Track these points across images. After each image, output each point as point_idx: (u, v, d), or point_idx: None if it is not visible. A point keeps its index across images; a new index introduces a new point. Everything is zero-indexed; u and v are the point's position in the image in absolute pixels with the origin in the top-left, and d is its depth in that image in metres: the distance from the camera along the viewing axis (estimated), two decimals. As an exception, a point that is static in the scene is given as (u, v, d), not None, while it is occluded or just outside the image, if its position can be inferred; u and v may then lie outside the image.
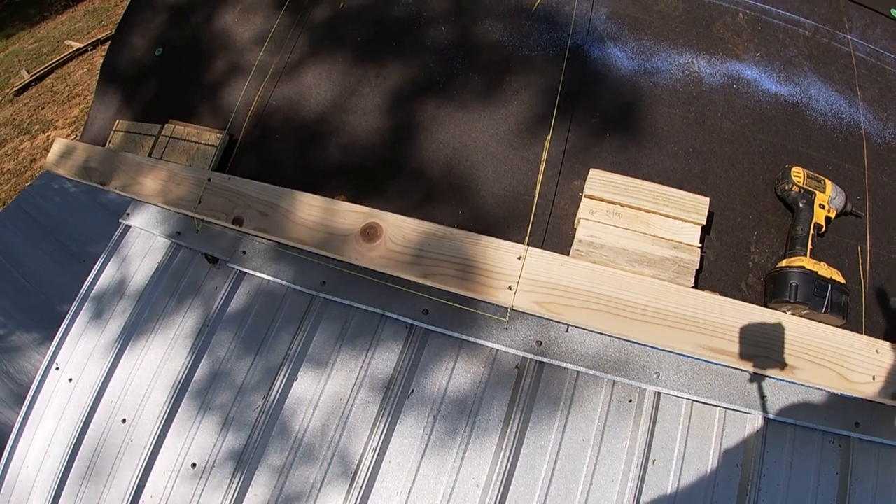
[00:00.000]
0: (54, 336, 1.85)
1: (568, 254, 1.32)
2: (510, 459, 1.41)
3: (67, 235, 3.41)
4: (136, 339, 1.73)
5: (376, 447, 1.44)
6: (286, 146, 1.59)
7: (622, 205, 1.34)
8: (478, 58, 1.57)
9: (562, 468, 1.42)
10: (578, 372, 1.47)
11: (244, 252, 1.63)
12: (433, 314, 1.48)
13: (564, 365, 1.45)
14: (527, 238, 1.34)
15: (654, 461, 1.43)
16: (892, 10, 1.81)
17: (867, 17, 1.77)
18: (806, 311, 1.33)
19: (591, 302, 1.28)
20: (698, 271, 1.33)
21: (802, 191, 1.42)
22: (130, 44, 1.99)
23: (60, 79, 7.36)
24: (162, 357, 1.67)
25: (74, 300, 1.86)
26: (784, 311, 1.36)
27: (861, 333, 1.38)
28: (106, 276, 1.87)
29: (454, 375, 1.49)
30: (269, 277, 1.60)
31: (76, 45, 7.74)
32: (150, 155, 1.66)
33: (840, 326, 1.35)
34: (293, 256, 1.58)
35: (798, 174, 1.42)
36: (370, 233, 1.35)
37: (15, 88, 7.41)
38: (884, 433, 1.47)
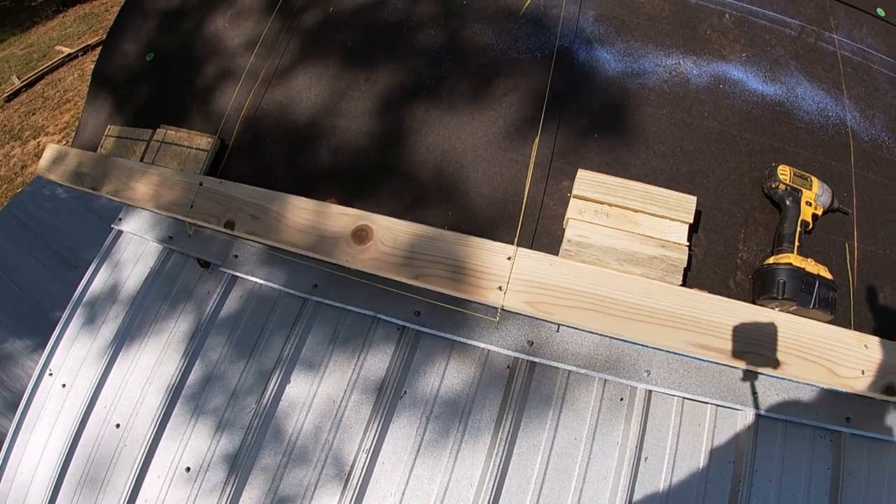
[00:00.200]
0: (47, 343, 1.87)
1: (557, 254, 1.35)
2: (503, 459, 1.43)
3: (59, 242, 3.43)
4: (129, 344, 1.75)
5: (370, 448, 1.47)
6: (277, 150, 1.62)
7: (610, 204, 1.37)
8: (466, 61, 1.60)
9: (554, 467, 1.45)
10: (570, 371, 1.50)
11: (236, 256, 1.66)
12: (425, 316, 1.51)
13: (556, 364, 1.48)
14: (516, 239, 1.37)
15: (646, 459, 1.46)
16: (879, 10, 1.85)
17: (853, 16, 1.81)
18: (794, 308, 1.37)
19: (580, 301, 1.32)
20: (686, 269, 1.37)
21: (789, 188, 1.45)
22: (121, 49, 2.02)
23: (51, 84, 7.38)
24: (155, 361, 1.70)
25: (67, 306, 1.89)
26: (772, 308, 1.39)
27: (850, 329, 1.41)
28: (98, 281, 1.89)
29: (446, 376, 1.51)
30: (261, 281, 1.62)
31: (67, 50, 7.77)
32: (141, 160, 1.69)
33: (828, 322, 1.38)
34: (285, 260, 1.61)
35: (784, 172, 1.46)
36: (361, 235, 1.38)
37: (5, 94, 7.43)
38: (875, 428, 1.50)
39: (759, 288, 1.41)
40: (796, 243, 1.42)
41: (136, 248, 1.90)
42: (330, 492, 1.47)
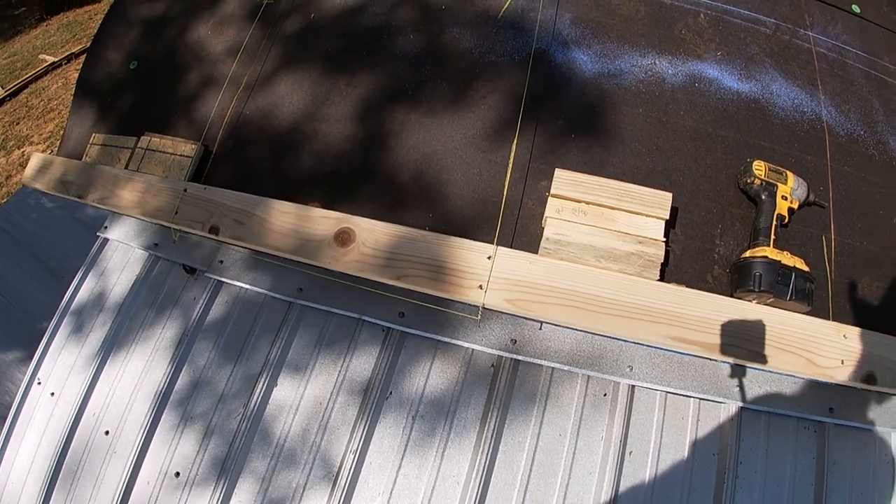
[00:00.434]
0: (34, 353, 1.91)
1: (537, 252, 1.41)
2: (489, 456, 1.49)
3: (45, 252, 3.47)
4: (117, 352, 1.80)
5: (357, 449, 1.52)
6: (260, 155, 1.68)
7: (587, 203, 1.43)
8: (445, 65, 1.67)
9: (540, 463, 1.50)
10: (553, 368, 1.55)
11: (221, 261, 1.71)
12: (409, 316, 1.57)
13: (539, 362, 1.53)
14: (496, 238, 1.43)
15: (630, 453, 1.51)
16: (854, 6, 1.92)
17: (828, 13, 1.88)
18: (771, 300, 1.42)
19: (559, 298, 1.37)
20: (664, 265, 1.42)
21: (764, 183, 1.51)
22: (105, 57, 2.08)
23: (35, 93, 7.42)
24: (143, 368, 1.74)
25: (54, 315, 1.94)
26: (750, 301, 1.45)
27: (828, 320, 1.47)
28: (85, 289, 1.94)
29: (431, 376, 1.57)
30: (247, 286, 1.68)
31: (50, 59, 7.81)
32: (126, 167, 1.74)
33: (806, 313, 1.44)
34: (270, 264, 1.66)
35: (759, 167, 1.52)
36: (343, 238, 1.44)
37: (-11, 104, 7.47)
38: (858, 417, 1.55)
39: (736, 281, 1.46)
40: (772, 237, 1.47)
41: (122, 255, 1.95)
42: (318, 493, 1.52)
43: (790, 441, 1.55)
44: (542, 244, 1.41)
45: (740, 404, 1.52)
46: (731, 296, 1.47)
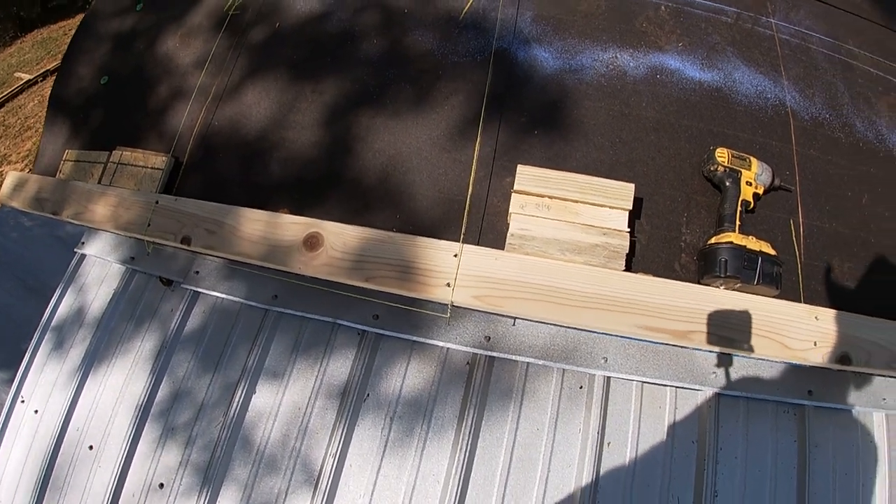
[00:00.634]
0: (17, 372, 1.98)
1: (503, 248, 1.48)
2: (467, 454, 1.54)
3: (25, 270, 3.54)
4: (98, 366, 1.86)
5: (336, 452, 1.58)
6: (230, 165, 1.75)
7: (551, 197, 1.50)
8: (409, 67, 1.74)
9: (519, 458, 1.56)
10: (528, 363, 1.62)
11: (197, 272, 1.78)
12: (383, 318, 1.63)
13: (514, 357, 1.59)
14: (461, 236, 1.50)
15: (609, 444, 1.57)
16: (818, -10, 2.00)
17: (790, 0, 1.95)
18: (738, 285, 1.48)
19: (527, 292, 1.44)
20: (630, 255, 1.49)
21: (728, 170, 1.58)
22: (77, 73, 2.15)
23: (12, 112, 7.51)
24: (123, 381, 1.81)
25: (35, 332, 2.01)
26: (717, 287, 1.51)
27: (800, 302, 1.53)
28: (64, 305, 2.01)
29: (407, 376, 1.63)
30: (223, 295, 1.74)
31: (26, 76, 7.91)
32: (99, 182, 1.81)
33: (776, 297, 1.50)
34: (245, 273, 1.73)
35: (722, 154, 1.58)
36: (312, 242, 1.51)
37: (-34, 125, 7.55)
38: (837, 399, 1.60)
39: (703, 268, 1.53)
40: (737, 222, 1.54)
41: (100, 270, 2.02)
42: (300, 497, 1.58)
43: (770, 425, 1.60)
44: (508, 240, 1.48)
45: (717, 391, 1.56)
46: (699, 283, 1.53)
